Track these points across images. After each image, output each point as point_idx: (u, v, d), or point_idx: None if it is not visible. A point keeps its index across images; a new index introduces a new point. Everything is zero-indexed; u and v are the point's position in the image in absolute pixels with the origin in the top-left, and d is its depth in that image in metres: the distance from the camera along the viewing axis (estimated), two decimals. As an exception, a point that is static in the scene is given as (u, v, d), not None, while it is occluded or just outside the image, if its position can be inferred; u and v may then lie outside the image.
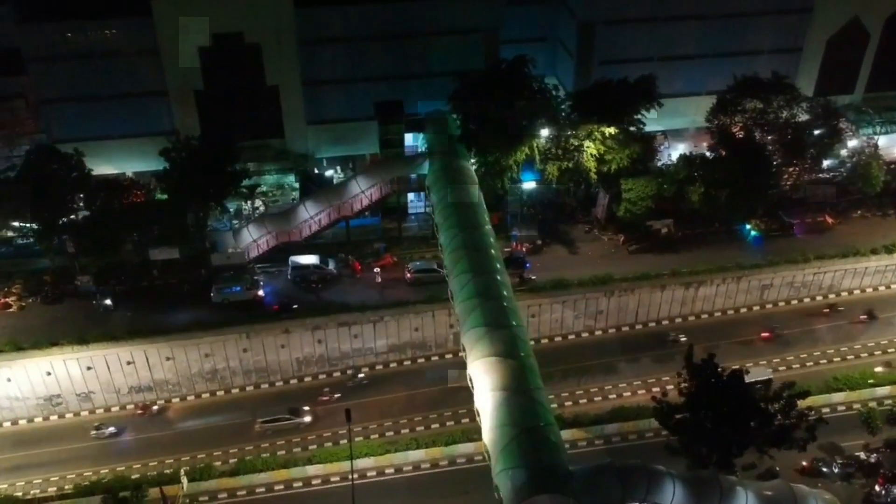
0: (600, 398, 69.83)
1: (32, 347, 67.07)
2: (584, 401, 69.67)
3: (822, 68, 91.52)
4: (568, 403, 69.40)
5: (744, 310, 77.83)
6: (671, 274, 75.10)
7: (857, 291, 79.46)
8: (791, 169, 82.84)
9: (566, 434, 62.66)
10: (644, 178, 77.78)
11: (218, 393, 71.57)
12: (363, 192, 76.99)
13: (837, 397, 66.54)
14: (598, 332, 76.06)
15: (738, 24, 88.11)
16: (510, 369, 52.62)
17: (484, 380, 52.84)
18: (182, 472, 56.63)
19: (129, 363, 68.85)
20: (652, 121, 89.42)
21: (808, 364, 72.45)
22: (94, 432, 67.26)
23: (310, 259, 75.76)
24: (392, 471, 61.26)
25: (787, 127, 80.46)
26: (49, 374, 67.91)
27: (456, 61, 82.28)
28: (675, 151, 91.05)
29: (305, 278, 75.52)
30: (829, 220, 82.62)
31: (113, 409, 70.19)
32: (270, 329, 70.24)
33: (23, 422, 69.19)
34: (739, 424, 50.38)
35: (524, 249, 78.77)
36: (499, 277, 61.08)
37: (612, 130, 75.98)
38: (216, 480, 59.14)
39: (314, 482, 59.35)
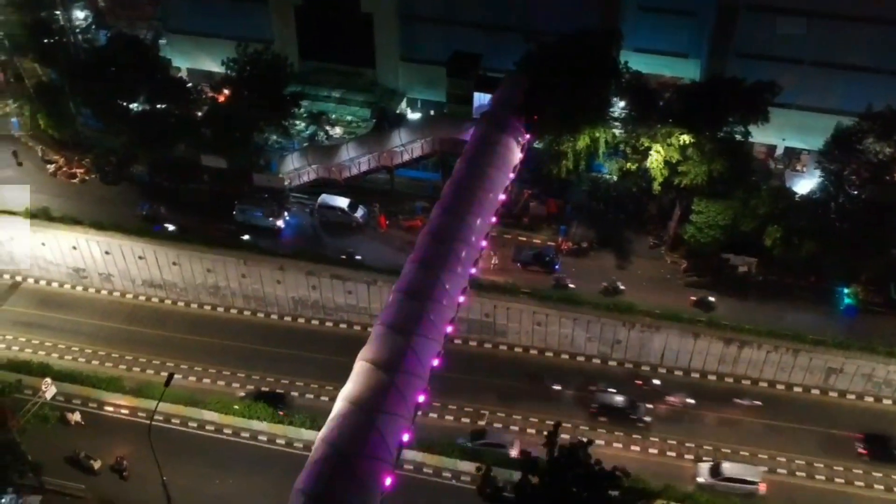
0: (567, 435, 60.62)
1: (59, 221, 71.72)
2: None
3: None
4: (530, 431, 61.62)
5: (798, 389, 63.43)
6: (707, 323, 62.76)
7: (962, 411, 61.53)
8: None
9: (466, 466, 55.82)
10: (721, 203, 64.55)
11: (218, 309, 72.41)
12: (403, 145, 71.71)
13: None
14: (612, 363, 66.18)
15: (932, 37, 68.79)
16: (373, 383, 46.75)
17: (348, 383, 47.74)
18: (48, 380, 57.79)
19: (140, 258, 71.52)
20: (797, 139, 74.98)
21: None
22: None
23: (339, 202, 72.81)
24: (282, 443, 58.39)
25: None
26: (75, 248, 72.48)
27: (565, 21, 72.95)
28: (813, 178, 75.07)
29: (330, 219, 72.99)
30: (971, 312, 64.12)
31: (128, 295, 73.77)
32: (267, 262, 69.14)
33: (55, 284, 74.84)
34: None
35: (564, 248, 69.70)
36: (448, 284, 53.77)
37: (687, 138, 63.35)
38: (121, 395, 60.15)
39: (207, 427, 58.29)
